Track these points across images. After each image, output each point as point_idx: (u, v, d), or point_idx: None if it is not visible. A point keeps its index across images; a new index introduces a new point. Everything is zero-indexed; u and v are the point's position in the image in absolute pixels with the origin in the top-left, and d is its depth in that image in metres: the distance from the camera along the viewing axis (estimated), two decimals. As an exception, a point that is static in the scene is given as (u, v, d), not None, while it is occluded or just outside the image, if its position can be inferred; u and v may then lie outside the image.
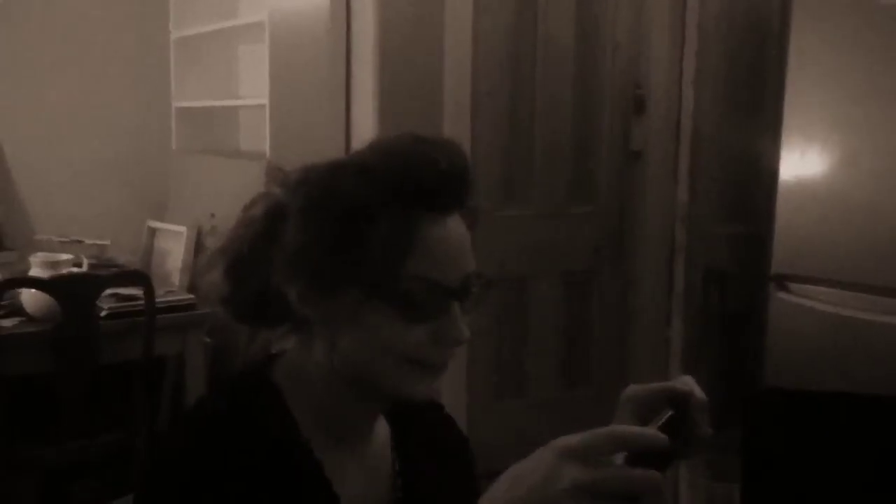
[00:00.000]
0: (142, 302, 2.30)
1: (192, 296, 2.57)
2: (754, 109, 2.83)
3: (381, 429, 0.92)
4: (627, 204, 2.92)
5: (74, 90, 2.99)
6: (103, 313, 2.31)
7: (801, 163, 2.42)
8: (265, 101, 2.55)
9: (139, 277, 2.37)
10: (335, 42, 2.40)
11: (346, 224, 0.78)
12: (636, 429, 0.65)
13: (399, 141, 0.83)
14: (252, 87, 2.91)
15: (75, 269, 2.42)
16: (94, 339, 2.24)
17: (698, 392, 0.77)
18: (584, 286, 2.89)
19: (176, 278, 2.79)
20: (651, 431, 0.66)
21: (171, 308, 2.45)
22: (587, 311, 2.91)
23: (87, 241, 2.75)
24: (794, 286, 2.43)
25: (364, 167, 0.81)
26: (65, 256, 2.42)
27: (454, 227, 0.81)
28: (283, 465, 0.80)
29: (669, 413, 0.73)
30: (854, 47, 2.32)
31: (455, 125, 2.41)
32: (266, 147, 2.57)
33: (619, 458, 0.64)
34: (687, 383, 0.78)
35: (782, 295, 2.44)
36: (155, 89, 3.06)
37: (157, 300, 2.33)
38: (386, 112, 2.32)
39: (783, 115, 2.45)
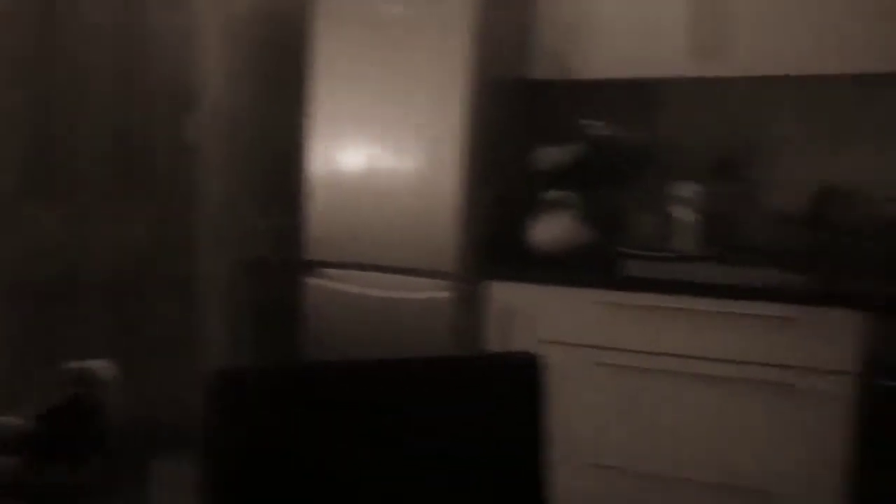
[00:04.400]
0: None
1: None
2: (291, 107, 3.00)
3: None
4: (185, 200, 2.92)
5: None
6: None
7: (326, 158, 2.62)
8: None
9: None
10: None
11: None
12: None
13: None
14: None
15: None
16: None
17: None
18: (136, 286, 2.82)
19: None
20: None
21: None
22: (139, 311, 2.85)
23: None
24: (326, 271, 2.64)
25: None
26: None
27: None
28: None
29: (70, 394, 0.73)
30: (366, 54, 2.57)
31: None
32: None
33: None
34: (92, 365, 0.80)
35: (314, 280, 2.64)
36: None
37: None
38: None
39: (312, 113, 2.64)
